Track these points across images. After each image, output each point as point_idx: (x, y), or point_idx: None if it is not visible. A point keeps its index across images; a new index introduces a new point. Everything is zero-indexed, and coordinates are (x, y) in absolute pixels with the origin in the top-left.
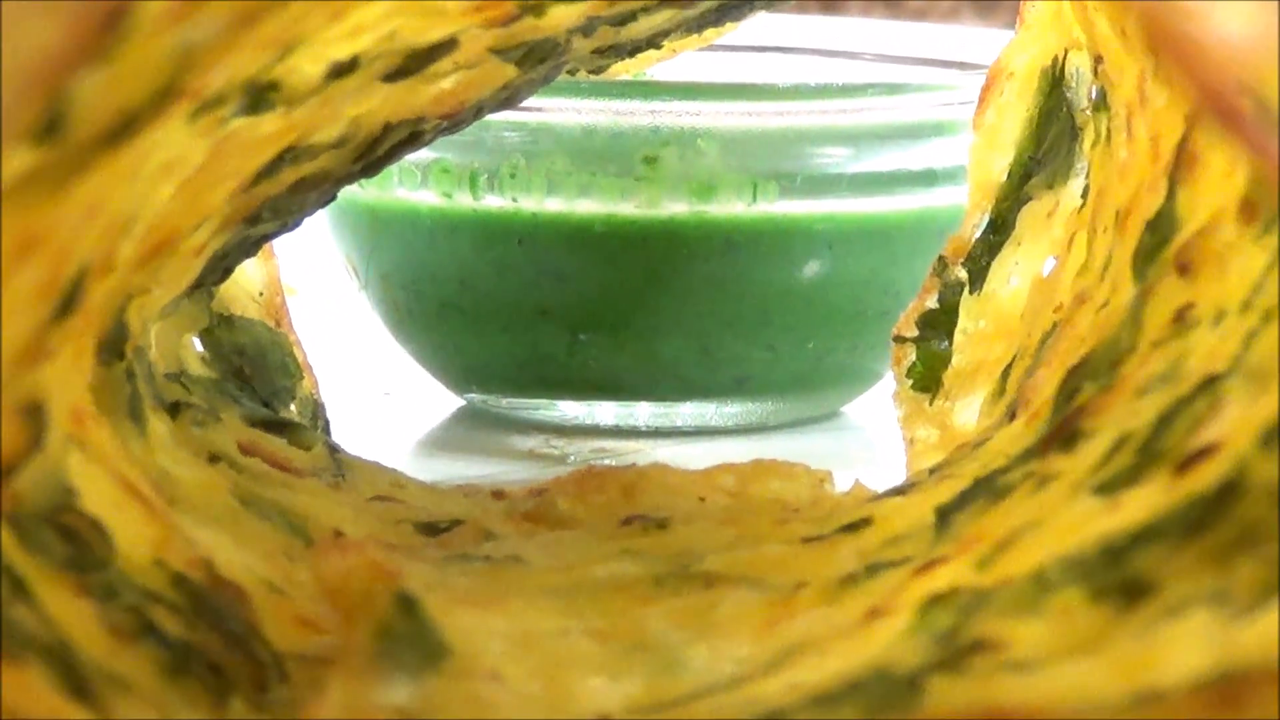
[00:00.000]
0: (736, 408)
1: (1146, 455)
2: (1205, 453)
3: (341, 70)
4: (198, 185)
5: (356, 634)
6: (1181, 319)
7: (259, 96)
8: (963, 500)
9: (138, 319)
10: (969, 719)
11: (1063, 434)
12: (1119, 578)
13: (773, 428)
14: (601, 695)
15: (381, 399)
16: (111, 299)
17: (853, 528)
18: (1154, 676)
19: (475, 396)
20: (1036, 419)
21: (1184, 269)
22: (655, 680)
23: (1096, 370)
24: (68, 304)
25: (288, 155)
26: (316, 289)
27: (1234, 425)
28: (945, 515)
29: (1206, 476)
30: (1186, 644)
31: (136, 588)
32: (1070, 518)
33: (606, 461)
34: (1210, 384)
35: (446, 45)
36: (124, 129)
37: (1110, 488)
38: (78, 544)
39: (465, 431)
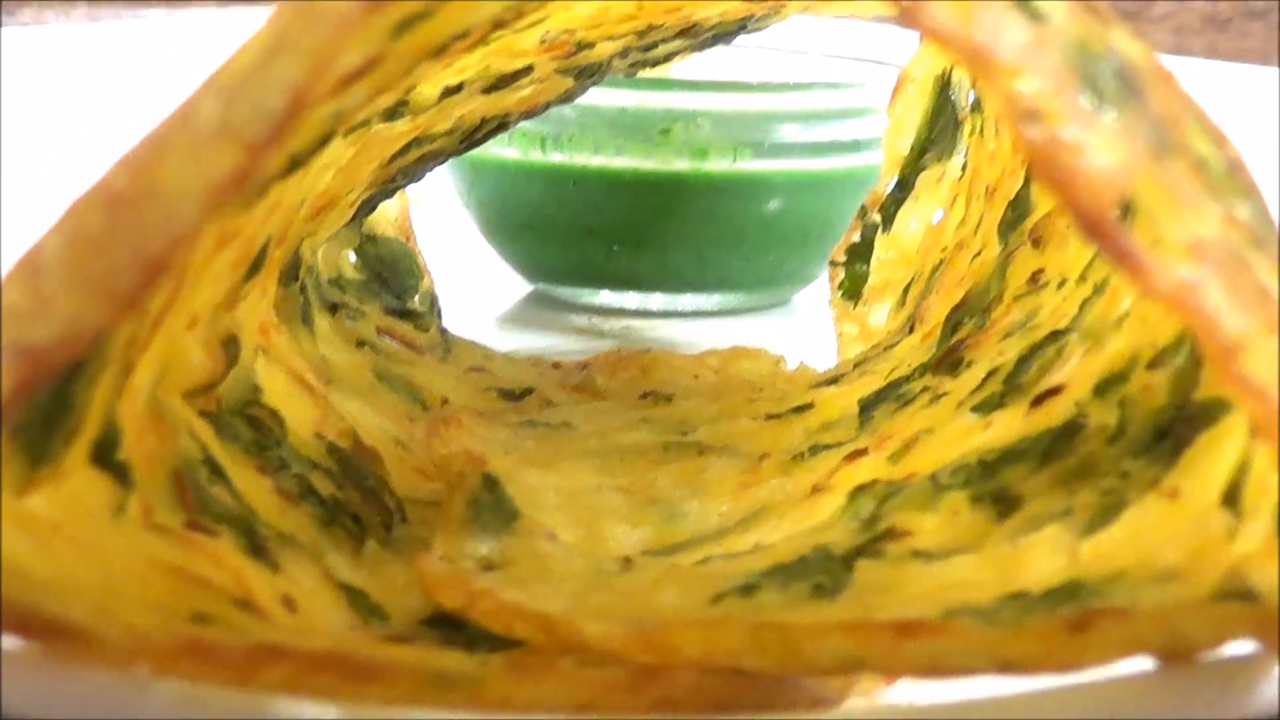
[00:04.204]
0: (719, 298)
1: (1010, 386)
2: (1053, 392)
3: (451, 91)
4: (350, 169)
5: (454, 503)
6: (1035, 280)
7: (393, 112)
8: (878, 398)
9: (309, 250)
10: (892, 623)
11: (949, 360)
12: (993, 487)
13: (745, 311)
14: (625, 539)
15: (476, 284)
16: (289, 246)
17: (800, 410)
18: (1021, 579)
19: (542, 286)
20: (929, 339)
21: (1036, 241)
22: (662, 528)
23: (973, 310)
24: (256, 267)
25: (414, 143)
26: (434, 206)
27: (1074, 373)
28: (866, 409)
29: (1055, 413)
30: (1044, 552)
31: (301, 458)
32: (956, 429)
33: (631, 338)
34: (1056, 336)
35: (525, 70)
36: (294, 166)
37: (984, 408)
38: (260, 430)
39: (534, 310)
